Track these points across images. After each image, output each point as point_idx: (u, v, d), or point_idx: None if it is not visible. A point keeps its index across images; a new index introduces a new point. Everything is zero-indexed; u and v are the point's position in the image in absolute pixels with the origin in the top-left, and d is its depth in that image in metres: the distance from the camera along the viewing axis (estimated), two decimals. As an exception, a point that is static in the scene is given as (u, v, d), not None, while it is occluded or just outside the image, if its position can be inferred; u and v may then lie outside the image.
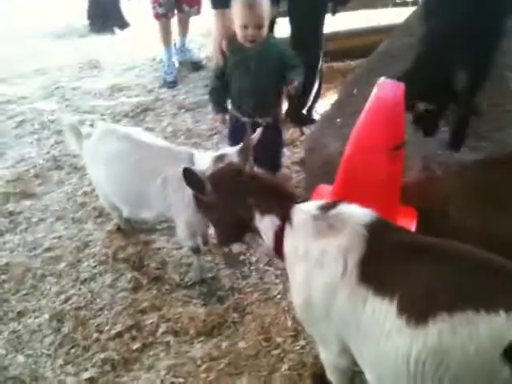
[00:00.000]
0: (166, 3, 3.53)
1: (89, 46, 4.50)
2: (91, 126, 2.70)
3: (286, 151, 2.70)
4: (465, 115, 1.79)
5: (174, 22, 3.73)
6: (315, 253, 1.20)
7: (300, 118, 2.91)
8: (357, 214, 1.22)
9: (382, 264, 1.15)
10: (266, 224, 1.29)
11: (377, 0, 3.60)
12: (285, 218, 1.26)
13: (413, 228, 1.69)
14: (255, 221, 1.30)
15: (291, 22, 2.61)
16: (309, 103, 2.89)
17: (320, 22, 2.69)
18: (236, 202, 1.32)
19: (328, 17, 2.76)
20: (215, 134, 2.96)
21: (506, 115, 1.85)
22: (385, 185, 1.60)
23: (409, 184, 1.74)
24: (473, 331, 1.00)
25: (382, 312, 1.10)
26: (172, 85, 3.63)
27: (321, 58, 2.78)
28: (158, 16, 3.59)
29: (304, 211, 1.26)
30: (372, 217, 1.21)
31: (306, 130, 2.88)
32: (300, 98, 2.73)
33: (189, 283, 2.04)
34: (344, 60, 3.57)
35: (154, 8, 3.56)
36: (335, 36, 3.49)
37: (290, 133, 2.88)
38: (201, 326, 1.83)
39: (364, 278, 1.14)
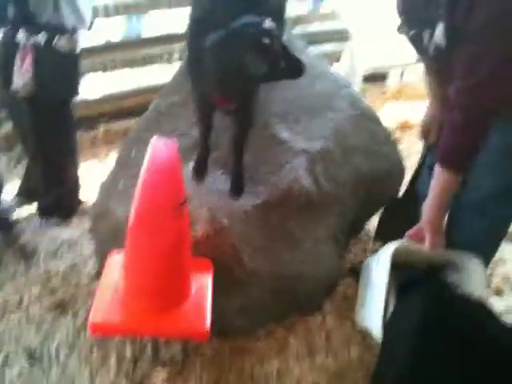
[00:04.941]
0: None
1: None
2: None
3: (73, 221, 2.58)
4: (239, 162, 1.89)
5: None
6: None
7: None
8: None
9: None
10: None
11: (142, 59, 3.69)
12: None
13: (210, 279, 1.71)
14: None
15: None
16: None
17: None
18: None
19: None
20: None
21: (275, 159, 2.01)
22: (175, 241, 1.59)
23: (199, 238, 1.77)
24: None
25: None
26: None
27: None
28: None
29: None
30: None
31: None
32: None
33: None
34: (121, 120, 3.56)
35: None
36: (110, 98, 3.49)
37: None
38: None
39: None
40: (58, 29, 2.27)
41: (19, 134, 2.70)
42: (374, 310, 1.71)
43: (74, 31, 2.33)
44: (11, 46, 2.26)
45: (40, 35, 2.24)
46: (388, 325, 1.59)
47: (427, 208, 1.63)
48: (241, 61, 1.53)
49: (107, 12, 3.42)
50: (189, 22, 1.84)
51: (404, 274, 1.76)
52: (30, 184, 2.73)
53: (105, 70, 3.57)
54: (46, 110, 2.44)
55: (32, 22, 2.22)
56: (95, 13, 3.15)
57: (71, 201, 2.70)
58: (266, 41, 1.52)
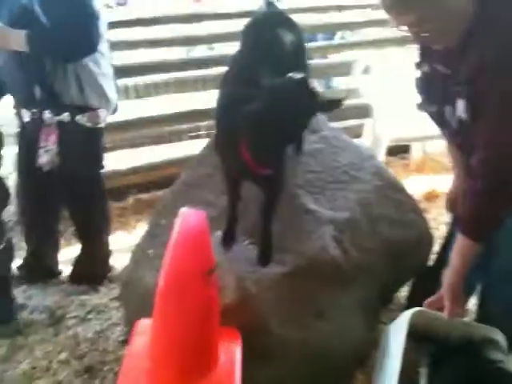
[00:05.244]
0: None
1: None
2: None
3: (102, 288, 2.62)
4: (268, 230, 1.91)
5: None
6: None
7: None
8: None
9: None
10: None
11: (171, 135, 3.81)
12: None
13: (239, 349, 1.69)
14: None
15: None
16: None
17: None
18: None
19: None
20: None
21: (302, 228, 2.03)
22: (203, 310, 1.59)
23: (227, 306, 1.76)
24: None
25: None
26: None
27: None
28: None
29: None
30: None
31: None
32: None
33: None
34: (150, 191, 3.64)
35: None
36: (139, 169, 3.59)
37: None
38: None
39: None
40: (81, 108, 2.38)
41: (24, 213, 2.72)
42: (390, 379, 1.66)
43: (97, 109, 2.43)
44: (37, 127, 2.36)
45: (64, 115, 2.34)
46: None
47: (447, 274, 1.62)
48: (289, 115, 1.59)
49: (137, 93, 3.54)
50: (219, 96, 1.92)
51: (435, 348, 1.72)
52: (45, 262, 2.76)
53: (133, 146, 3.68)
54: (75, 185, 2.53)
55: (57, 102, 2.33)
56: (127, 94, 3.29)
57: (101, 270, 2.73)
58: (314, 85, 1.60)
